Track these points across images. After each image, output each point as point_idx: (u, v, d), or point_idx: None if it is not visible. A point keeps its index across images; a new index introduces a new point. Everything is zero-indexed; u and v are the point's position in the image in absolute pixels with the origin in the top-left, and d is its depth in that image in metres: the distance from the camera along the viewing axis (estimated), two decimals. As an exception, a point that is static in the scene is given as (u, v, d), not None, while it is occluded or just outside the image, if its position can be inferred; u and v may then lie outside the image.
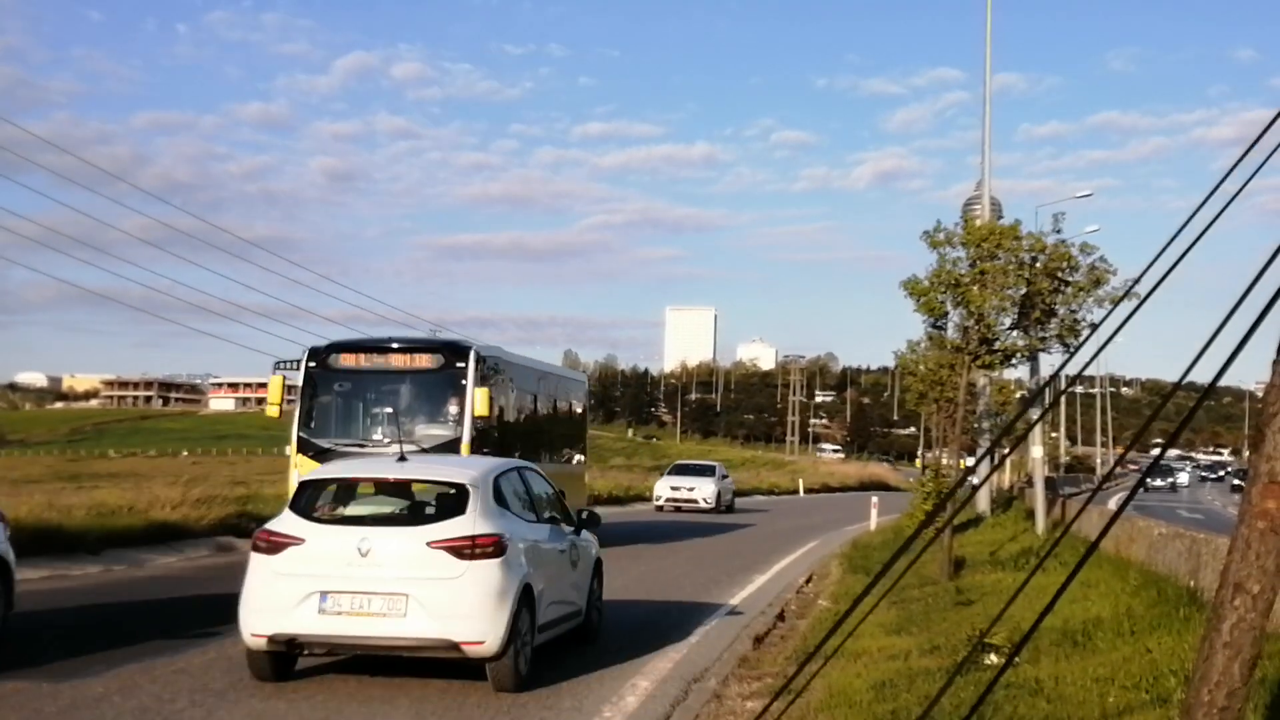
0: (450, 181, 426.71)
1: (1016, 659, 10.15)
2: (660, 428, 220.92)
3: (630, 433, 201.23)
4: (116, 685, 10.29)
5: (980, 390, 27.86)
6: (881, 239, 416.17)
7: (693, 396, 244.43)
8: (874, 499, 39.76)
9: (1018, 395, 30.17)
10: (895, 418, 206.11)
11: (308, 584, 10.50)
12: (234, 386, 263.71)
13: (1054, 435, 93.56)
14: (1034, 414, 27.59)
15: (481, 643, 10.36)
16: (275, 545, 10.84)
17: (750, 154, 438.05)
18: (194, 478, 37.43)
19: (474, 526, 10.70)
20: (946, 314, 22.66)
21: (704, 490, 45.47)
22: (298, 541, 10.75)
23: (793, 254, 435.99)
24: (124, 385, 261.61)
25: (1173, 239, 3.91)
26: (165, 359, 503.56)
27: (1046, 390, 27.45)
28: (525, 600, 10.89)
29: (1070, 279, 22.30)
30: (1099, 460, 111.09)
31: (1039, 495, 26.79)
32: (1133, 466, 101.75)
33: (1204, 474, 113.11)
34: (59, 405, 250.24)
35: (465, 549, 10.53)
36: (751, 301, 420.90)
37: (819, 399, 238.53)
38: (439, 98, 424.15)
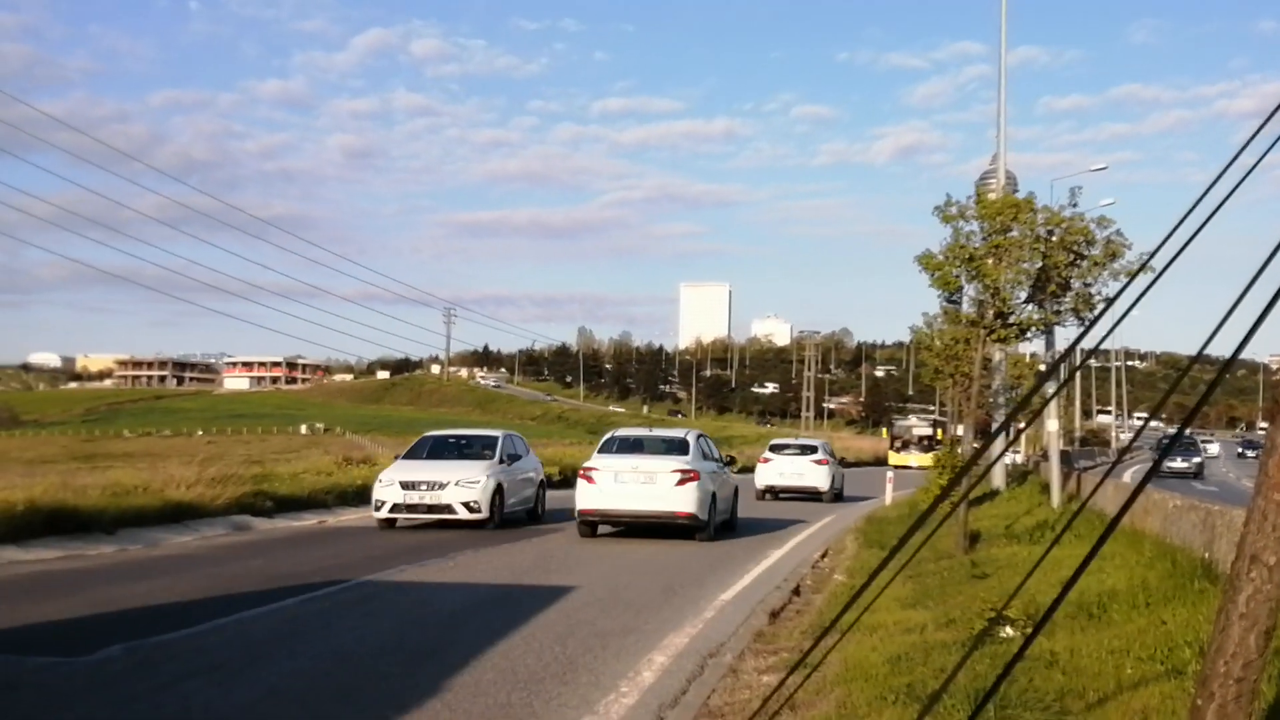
0: (469, 159, 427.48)
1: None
2: (675, 404, 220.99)
3: (645, 409, 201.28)
4: (133, 664, 10.33)
5: (996, 365, 27.78)
6: (901, 213, 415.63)
7: (708, 373, 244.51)
8: (889, 474, 40.14)
9: (1034, 370, 30.02)
10: (911, 393, 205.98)
11: (775, 471, 40.45)
12: (249, 366, 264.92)
13: (1069, 407, 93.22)
14: (1049, 388, 27.53)
15: (824, 489, 39.68)
16: (766, 461, 40.89)
17: (770, 129, 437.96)
18: (209, 457, 37.48)
19: (825, 456, 40.96)
20: (961, 288, 22.63)
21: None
22: (772, 460, 40.77)
23: (811, 229, 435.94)
24: (138, 365, 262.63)
25: (1189, 211, 3.89)
26: (180, 338, 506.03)
27: (1062, 365, 27.36)
28: (839, 480, 42.08)
29: (1086, 253, 22.24)
30: (1114, 434, 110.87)
31: (1054, 469, 26.74)
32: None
33: (1241, 449, 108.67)
34: (73, 385, 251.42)
35: (824, 463, 40.35)
36: (767, 277, 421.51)
37: (834, 375, 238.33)
38: (458, 74, 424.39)
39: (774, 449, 41.19)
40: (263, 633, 12.04)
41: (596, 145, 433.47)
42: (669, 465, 23.12)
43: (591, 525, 23.59)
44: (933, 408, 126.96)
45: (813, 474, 39.51)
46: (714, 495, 23.69)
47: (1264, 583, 3.65)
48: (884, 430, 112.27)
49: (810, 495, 39.37)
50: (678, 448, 24.32)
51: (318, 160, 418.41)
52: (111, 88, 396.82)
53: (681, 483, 22.75)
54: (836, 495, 39.74)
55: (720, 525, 24.50)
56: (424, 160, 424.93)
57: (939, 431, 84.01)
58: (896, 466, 59.15)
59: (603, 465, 23.40)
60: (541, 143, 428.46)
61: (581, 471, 23.85)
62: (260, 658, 10.74)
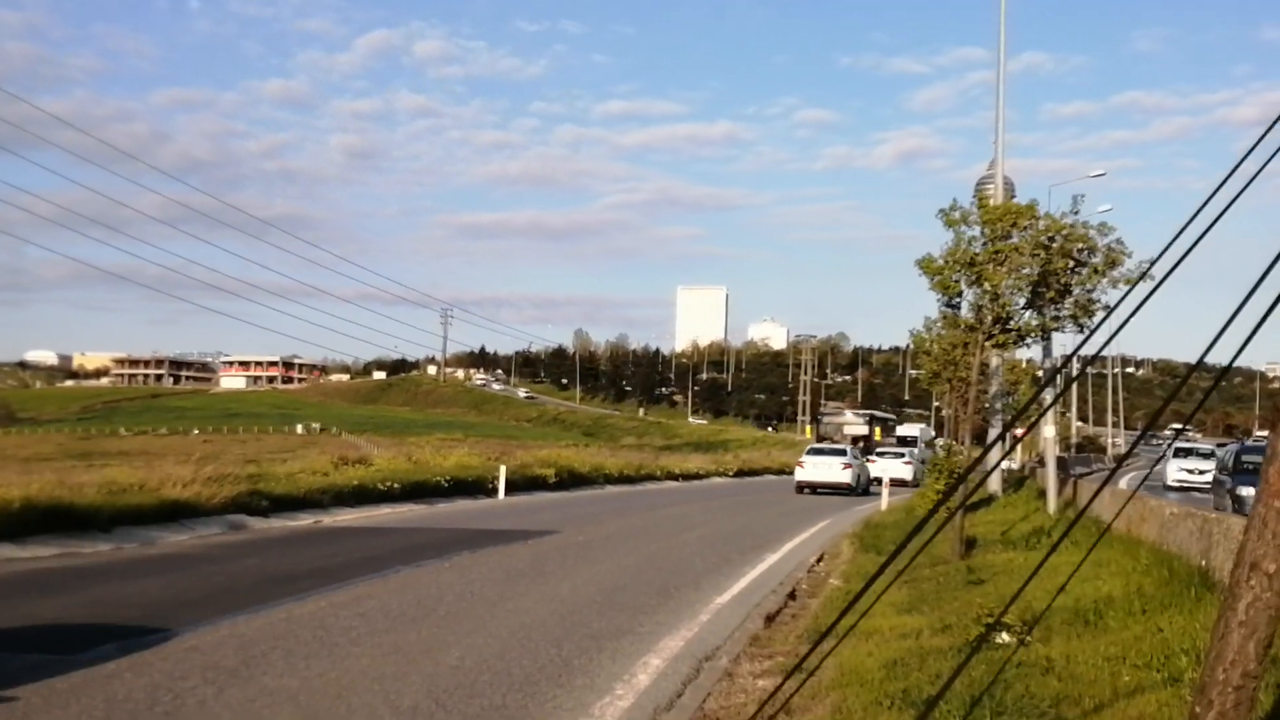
0: (470, 160, 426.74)
1: (1028, 638, 10.15)
2: (671, 407, 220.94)
3: (641, 412, 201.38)
4: (128, 663, 10.30)
5: (993, 370, 27.75)
6: (902, 219, 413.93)
7: (704, 376, 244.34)
8: (885, 478, 40.26)
9: (1031, 376, 30.07)
10: (907, 398, 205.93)
11: (879, 468, 51.86)
12: (245, 365, 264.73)
13: (1066, 414, 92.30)
14: (1047, 395, 27.55)
15: (910, 478, 53.91)
16: (873, 461, 54.98)
17: (772, 133, 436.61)
18: (205, 456, 37.47)
19: (910, 458, 58.13)
20: (961, 293, 22.64)
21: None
22: (877, 460, 55.58)
23: (812, 233, 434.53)
24: (134, 364, 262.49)
25: (1190, 220, 3.89)
26: (177, 337, 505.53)
27: (1059, 372, 27.40)
28: (920, 471, 51.42)
29: (1087, 260, 22.25)
30: (1110, 441, 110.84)
31: (1050, 475, 26.74)
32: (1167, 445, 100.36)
33: None
34: (69, 383, 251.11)
35: (909, 463, 57.41)
36: (766, 281, 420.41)
37: (830, 379, 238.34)
38: (460, 76, 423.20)
39: (879, 454, 58.49)
40: (257, 632, 12.01)
41: (598, 148, 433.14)
42: (838, 460, 47.59)
43: (800, 489, 46.15)
44: (858, 411, 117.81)
45: (903, 470, 55.28)
46: (859, 475, 48.15)
47: (1264, 590, 3.64)
48: (809, 428, 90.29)
49: (902, 483, 50.66)
50: (842, 452, 49.39)
51: (319, 160, 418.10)
52: (114, 86, 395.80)
53: (845, 468, 46.78)
54: (917, 482, 50.21)
55: (862, 491, 47.02)
56: (425, 161, 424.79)
57: (878, 431, 72.66)
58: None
59: (807, 460, 47.98)
60: (543, 145, 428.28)
61: (798, 462, 48.85)
62: (255, 657, 10.70)
